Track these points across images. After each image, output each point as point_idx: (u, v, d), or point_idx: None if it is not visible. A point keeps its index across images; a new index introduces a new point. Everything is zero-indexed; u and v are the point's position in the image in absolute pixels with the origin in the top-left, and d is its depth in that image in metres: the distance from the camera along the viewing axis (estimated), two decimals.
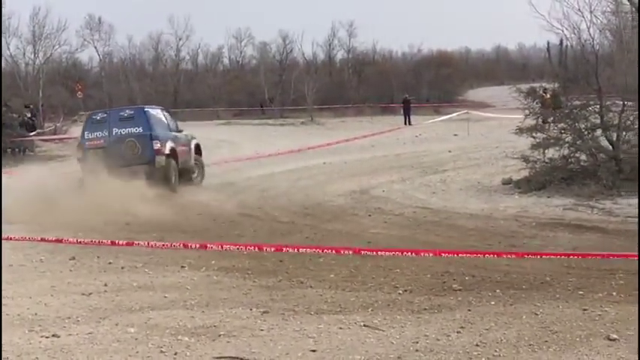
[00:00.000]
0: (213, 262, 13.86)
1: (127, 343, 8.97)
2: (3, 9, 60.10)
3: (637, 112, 23.97)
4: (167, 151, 25.84)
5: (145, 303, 10.95)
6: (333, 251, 13.63)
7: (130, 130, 25.71)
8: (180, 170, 26.91)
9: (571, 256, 13.15)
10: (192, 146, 29.23)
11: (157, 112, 27.66)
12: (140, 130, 25.63)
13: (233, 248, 13.68)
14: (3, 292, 11.14)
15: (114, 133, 25.74)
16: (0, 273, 12.06)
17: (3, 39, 68.47)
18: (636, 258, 11.61)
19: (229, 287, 12.08)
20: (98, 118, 26.86)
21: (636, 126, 24.16)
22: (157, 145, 25.42)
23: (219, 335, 9.30)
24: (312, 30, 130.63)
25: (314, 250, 13.74)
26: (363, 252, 13.50)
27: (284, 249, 13.53)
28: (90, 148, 25.64)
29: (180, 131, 28.75)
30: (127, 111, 27.35)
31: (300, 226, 18.32)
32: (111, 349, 8.79)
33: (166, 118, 28.16)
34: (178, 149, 27.05)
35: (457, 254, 13.10)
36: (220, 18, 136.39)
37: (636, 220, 17.88)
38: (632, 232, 16.46)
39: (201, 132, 35.11)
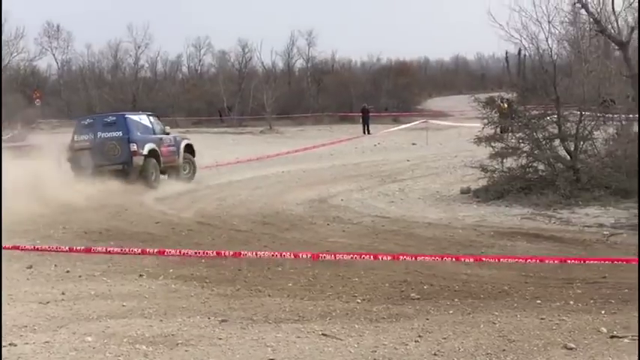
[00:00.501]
0: (171, 270, 13.82)
1: (85, 352, 8.93)
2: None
3: (593, 122, 24.20)
4: (145, 152, 29.32)
5: (103, 312, 10.90)
6: (292, 255, 13.64)
7: (111, 134, 29.40)
8: (165, 168, 30.81)
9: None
10: (182, 146, 32.34)
11: (139, 118, 31.27)
12: (120, 134, 29.24)
13: (192, 254, 13.70)
14: None
15: (98, 137, 29.46)
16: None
17: None
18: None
19: (187, 296, 12.05)
20: (86, 122, 30.98)
21: (593, 136, 24.40)
22: (133, 147, 28.94)
23: (177, 344, 9.28)
24: (271, 39, 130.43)
25: (272, 255, 13.79)
26: (321, 256, 13.48)
27: (242, 254, 13.58)
28: (78, 149, 29.39)
29: (167, 134, 32.08)
30: (110, 117, 31.14)
31: (258, 235, 18.29)
32: (68, 357, 8.76)
33: (151, 123, 31.38)
34: (162, 149, 30.56)
35: (415, 257, 13.14)
36: (179, 26, 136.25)
37: (593, 229, 18.06)
38: (588, 242, 16.64)
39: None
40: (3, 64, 73.19)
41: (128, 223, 20.34)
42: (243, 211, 22.04)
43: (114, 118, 30.56)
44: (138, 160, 29.07)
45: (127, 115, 31.21)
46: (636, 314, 10.41)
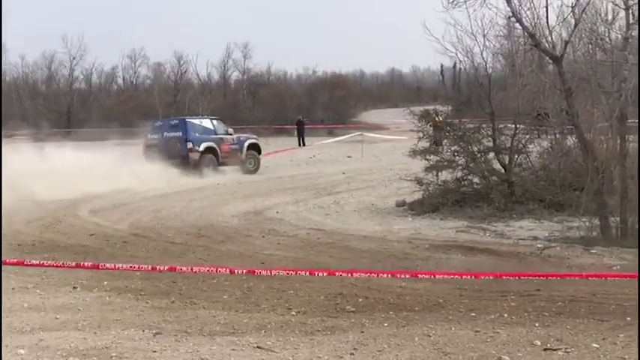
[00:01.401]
0: (105, 282, 13.73)
1: None
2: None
3: (527, 136, 24.48)
4: (201, 149, 37.47)
5: (36, 324, 10.78)
6: (228, 271, 13.62)
7: (174, 134, 38.04)
8: (226, 161, 38.92)
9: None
10: (245, 145, 40.49)
11: (199, 121, 40.05)
12: (180, 134, 37.78)
13: (126, 268, 13.60)
14: None
15: (164, 136, 38.19)
16: (0, 283, 11.93)
17: None
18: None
19: (122, 308, 11.97)
20: (156, 124, 40.72)
21: (528, 149, 24.67)
22: (189, 145, 37.18)
23: (111, 357, 9.22)
24: (207, 51, 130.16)
25: (208, 270, 13.78)
26: (257, 272, 13.48)
27: (177, 269, 13.51)
28: (149, 145, 38.28)
29: (230, 134, 40.26)
30: (174, 120, 40.71)
31: (193, 247, 18.23)
32: None
33: (213, 125, 39.74)
34: (222, 147, 38.80)
35: (351, 274, 13.18)
36: (115, 38, 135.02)
37: (527, 242, 18.25)
38: (522, 255, 16.83)
39: (94, 153, 35.08)
40: None
41: (62, 235, 20.13)
42: (178, 223, 21.95)
43: (177, 122, 39.60)
44: (194, 156, 37.00)
45: (187, 119, 39.84)
46: (569, 327, 10.56)
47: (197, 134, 38.08)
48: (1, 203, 20.79)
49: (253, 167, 40.36)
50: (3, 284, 13.48)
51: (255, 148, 41.43)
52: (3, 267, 13.89)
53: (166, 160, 35.66)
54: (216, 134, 39.31)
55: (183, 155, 36.90)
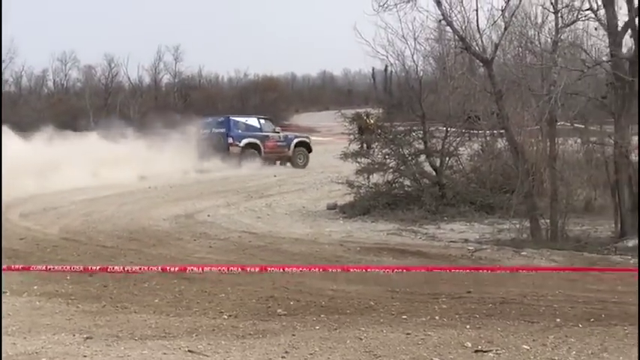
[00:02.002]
0: (35, 287, 13.53)
1: None
2: None
3: (458, 139, 24.65)
4: (242, 145, 42.22)
5: None
6: (160, 269, 13.63)
7: (219, 130, 42.98)
8: (271, 157, 43.55)
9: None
10: (293, 142, 44.92)
11: (245, 119, 44.59)
12: (223, 130, 42.71)
13: (59, 269, 13.53)
14: None
15: (212, 131, 43.04)
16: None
17: None
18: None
19: (52, 313, 11.83)
20: (207, 121, 45.28)
21: (459, 152, 24.86)
22: (230, 140, 42.08)
23: None
24: (138, 54, 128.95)
25: (139, 270, 13.74)
26: (189, 269, 13.50)
27: (109, 269, 13.48)
28: (201, 139, 42.18)
29: (277, 132, 45.10)
30: (221, 118, 45.12)
31: (124, 251, 18.07)
32: None
33: (260, 124, 44.18)
34: (266, 143, 43.31)
35: (283, 269, 13.23)
36: (45, 40, 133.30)
37: (458, 244, 18.38)
38: (453, 257, 16.93)
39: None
40: None
41: None
42: (109, 226, 21.74)
43: (222, 119, 44.33)
44: (234, 150, 41.80)
45: (231, 117, 44.50)
46: (499, 328, 10.64)
47: (239, 131, 42.83)
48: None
49: (302, 163, 44.64)
50: None
51: (304, 145, 45.74)
52: None
53: (214, 153, 40.65)
54: (261, 131, 43.64)
55: (225, 149, 41.76)
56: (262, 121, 45.11)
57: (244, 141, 42.53)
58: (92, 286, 13.69)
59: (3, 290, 13.18)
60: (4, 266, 13.81)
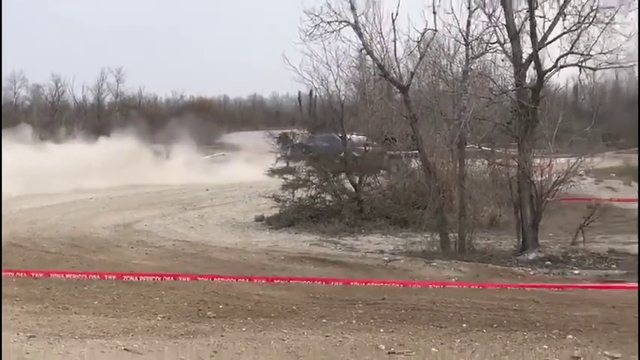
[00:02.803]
0: None
1: None
2: None
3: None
4: None
5: None
6: (98, 276, 13.56)
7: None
8: None
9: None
10: None
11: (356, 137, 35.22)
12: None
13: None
14: None
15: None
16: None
17: None
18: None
19: None
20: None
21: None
22: None
23: None
24: (83, 74, 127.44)
25: (80, 275, 13.67)
26: (125, 277, 13.45)
27: (51, 274, 13.39)
28: None
29: None
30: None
31: (67, 257, 17.88)
32: None
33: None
34: None
35: (212, 278, 13.23)
36: None
37: (374, 255, 18.42)
38: (369, 267, 16.99)
39: None
40: None
41: None
42: (53, 233, 21.45)
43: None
44: None
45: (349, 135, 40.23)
46: (411, 332, 10.67)
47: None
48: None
49: None
50: None
51: None
52: None
53: None
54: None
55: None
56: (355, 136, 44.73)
57: None
58: (36, 288, 13.56)
59: None
60: None
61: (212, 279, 13.42)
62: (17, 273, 13.86)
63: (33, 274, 13.67)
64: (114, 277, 13.72)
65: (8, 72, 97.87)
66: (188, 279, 13.46)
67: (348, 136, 35.87)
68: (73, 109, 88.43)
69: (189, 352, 9.51)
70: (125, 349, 9.55)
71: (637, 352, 9.54)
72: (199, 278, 13.18)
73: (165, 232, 22.06)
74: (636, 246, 18.72)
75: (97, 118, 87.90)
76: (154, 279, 13.51)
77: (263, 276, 14.90)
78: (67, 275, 13.83)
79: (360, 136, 36.77)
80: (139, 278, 13.54)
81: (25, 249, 18.96)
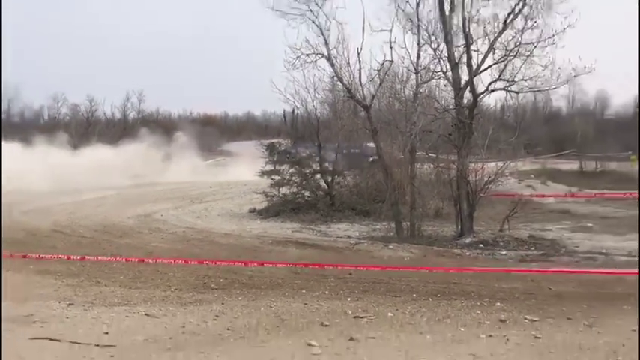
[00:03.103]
0: (31, 267, 13.36)
1: None
2: None
3: (345, 162, 24.74)
4: None
5: None
6: (124, 259, 13.55)
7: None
8: None
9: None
10: None
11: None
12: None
13: (48, 257, 13.39)
14: None
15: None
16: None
17: None
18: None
19: (44, 286, 11.68)
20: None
21: (345, 172, 24.99)
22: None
23: (34, 322, 9.03)
24: (111, 95, 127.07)
25: (109, 259, 13.68)
26: (145, 260, 13.40)
27: (86, 258, 13.36)
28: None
29: None
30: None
31: (99, 240, 17.81)
32: None
33: None
34: None
35: (215, 262, 13.22)
36: (41, 82, 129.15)
37: (343, 239, 18.43)
38: (339, 248, 17.00)
39: None
40: None
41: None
42: (88, 222, 21.31)
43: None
44: None
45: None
46: (372, 301, 10.72)
47: None
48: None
49: None
50: None
51: None
52: None
53: None
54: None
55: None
56: None
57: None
58: (74, 265, 13.54)
59: (7, 269, 12.87)
60: (6, 253, 13.54)
61: (215, 263, 13.40)
62: (58, 256, 13.80)
63: (71, 257, 13.59)
64: (136, 260, 13.67)
65: (52, 92, 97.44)
66: (195, 262, 13.45)
67: (337, 144, 33.84)
68: (104, 123, 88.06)
69: (196, 316, 9.55)
70: (145, 314, 9.59)
71: (551, 316, 9.65)
72: (205, 262, 13.16)
73: (177, 221, 21.99)
74: (549, 232, 18.95)
75: (123, 130, 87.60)
76: (168, 262, 13.48)
77: (255, 260, 14.86)
78: (100, 258, 13.75)
79: (372, 145, 35.88)
80: (156, 261, 13.52)
81: (66, 235, 18.89)
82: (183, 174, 42.40)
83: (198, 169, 46.21)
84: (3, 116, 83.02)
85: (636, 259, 14.63)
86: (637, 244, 15.73)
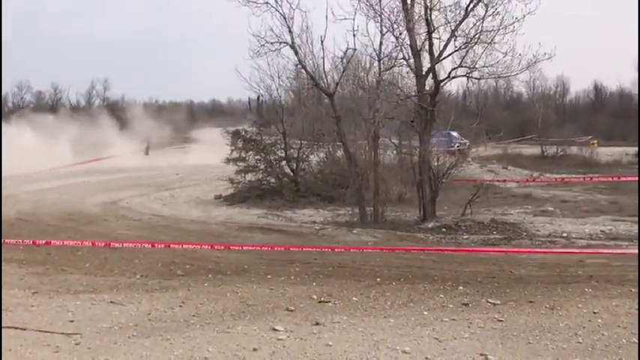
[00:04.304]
0: None
1: None
2: None
3: (309, 149, 24.71)
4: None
5: None
6: (90, 244, 13.43)
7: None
8: None
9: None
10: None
11: (455, 133, 32.07)
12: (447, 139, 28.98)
13: (13, 243, 13.21)
14: None
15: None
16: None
17: None
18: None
19: (8, 274, 11.44)
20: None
21: (309, 158, 24.96)
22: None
23: None
24: (76, 83, 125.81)
25: (75, 243, 13.51)
26: (112, 244, 13.30)
27: (52, 243, 13.22)
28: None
29: (464, 142, 33.89)
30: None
31: (64, 228, 17.57)
32: None
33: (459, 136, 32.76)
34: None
35: (182, 245, 13.17)
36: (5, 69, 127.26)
37: (308, 225, 18.43)
38: (305, 234, 17.01)
39: None
40: None
41: None
42: (52, 210, 21.03)
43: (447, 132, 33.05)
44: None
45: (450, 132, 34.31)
46: (337, 285, 10.70)
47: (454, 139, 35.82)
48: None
49: None
50: None
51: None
52: None
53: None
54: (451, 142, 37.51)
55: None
56: (453, 133, 40.19)
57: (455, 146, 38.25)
58: (39, 253, 13.30)
59: None
60: None
61: (181, 246, 13.32)
62: (24, 241, 13.60)
63: (37, 243, 13.40)
64: (102, 244, 13.51)
65: (16, 80, 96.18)
66: (162, 246, 13.33)
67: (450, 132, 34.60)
68: (68, 110, 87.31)
69: (161, 303, 9.47)
70: (111, 302, 9.49)
71: (513, 300, 9.71)
72: (171, 245, 13.05)
73: (143, 208, 21.82)
74: (511, 216, 19.08)
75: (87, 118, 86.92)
76: (134, 245, 13.34)
77: (222, 243, 14.80)
78: (65, 242, 13.57)
79: (456, 133, 35.45)
80: (122, 245, 13.39)
81: (30, 223, 18.61)
82: (148, 161, 42.23)
83: (164, 156, 45.93)
84: None
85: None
86: (607, 228, 16.06)
